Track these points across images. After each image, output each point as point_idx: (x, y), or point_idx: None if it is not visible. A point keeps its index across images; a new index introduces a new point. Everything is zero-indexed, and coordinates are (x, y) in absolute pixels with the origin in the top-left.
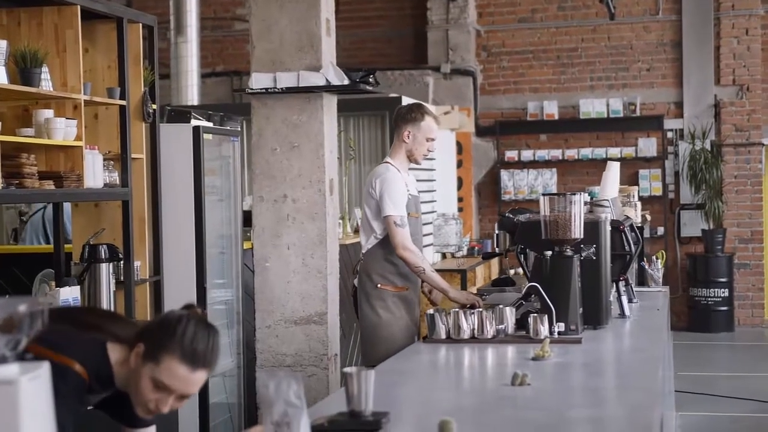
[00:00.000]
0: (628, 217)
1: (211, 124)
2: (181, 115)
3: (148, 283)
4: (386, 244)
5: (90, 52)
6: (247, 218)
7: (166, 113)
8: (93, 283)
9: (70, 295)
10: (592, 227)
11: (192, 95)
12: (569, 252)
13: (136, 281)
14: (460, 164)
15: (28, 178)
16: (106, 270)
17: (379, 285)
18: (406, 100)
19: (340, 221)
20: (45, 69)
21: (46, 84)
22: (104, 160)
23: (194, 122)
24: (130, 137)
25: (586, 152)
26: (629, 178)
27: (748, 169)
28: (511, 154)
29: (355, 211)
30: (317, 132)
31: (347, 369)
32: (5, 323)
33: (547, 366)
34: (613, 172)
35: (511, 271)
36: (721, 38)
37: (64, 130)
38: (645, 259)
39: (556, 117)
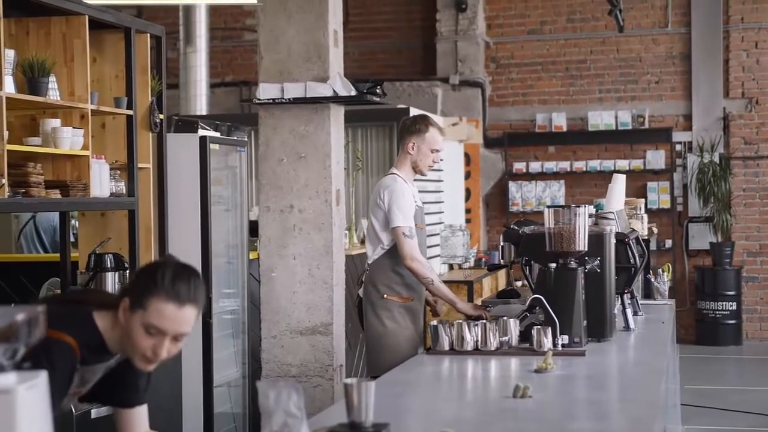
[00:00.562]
0: (633, 230)
1: (218, 134)
2: (188, 124)
3: None
4: (393, 254)
5: (98, 62)
6: (254, 228)
7: (174, 123)
8: None
9: None
10: (597, 240)
11: (201, 105)
12: (573, 264)
13: None
14: (468, 175)
15: (35, 187)
16: (111, 279)
17: (385, 295)
18: (413, 111)
19: (347, 232)
20: (52, 78)
21: (54, 93)
22: (111, 169)
23: (201, 132)
24: (136, 147)
25: (595, 164)
26: (637, 191)
27: (757, 183)
28: (519, 166)
29: (362, 221)
30: (324, 142)
31: (347, 380)
32: (3, 332)
33: (550, 378)
34: (619, 184)
35: (518, 283)
36: (731, 51)
37: (71, 140)
38: (651, 271)
39: (565, 129)
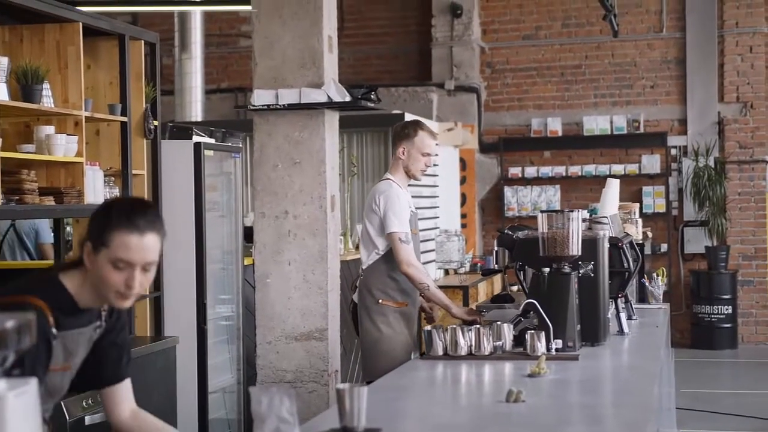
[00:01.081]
0: (627, 234)
1: (212, 141)
2: (182, 131)
3: (148, 299)
4: (388, 259)
5: (92, 69)
6: (249, 234)
7: (168, 129)
8: None
9: None
10: (590, 244)
11: (196, 111)
12: (567, 269)
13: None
14: (463, 180)
15: (29, 194)
16: None
17: (380, 300)
18: (409, 117)
19: (342, 237)
20: (46, 85)
21: (48, 100)
22: (105, 176)
23: (196, 138)
24: (131, 153)
25: (590, 169)
26: (633, 195)
27: (752, 186)
28: (514, 171)
29: (357, 227)
30: (319, 148)
31: (339, 385)
32: None
33: (543, 383)
34: (613, 189)
35: (513, 288)
36: (725, 55)
37: (65, 147)
38: (645, 275)
39: (560, 134)
